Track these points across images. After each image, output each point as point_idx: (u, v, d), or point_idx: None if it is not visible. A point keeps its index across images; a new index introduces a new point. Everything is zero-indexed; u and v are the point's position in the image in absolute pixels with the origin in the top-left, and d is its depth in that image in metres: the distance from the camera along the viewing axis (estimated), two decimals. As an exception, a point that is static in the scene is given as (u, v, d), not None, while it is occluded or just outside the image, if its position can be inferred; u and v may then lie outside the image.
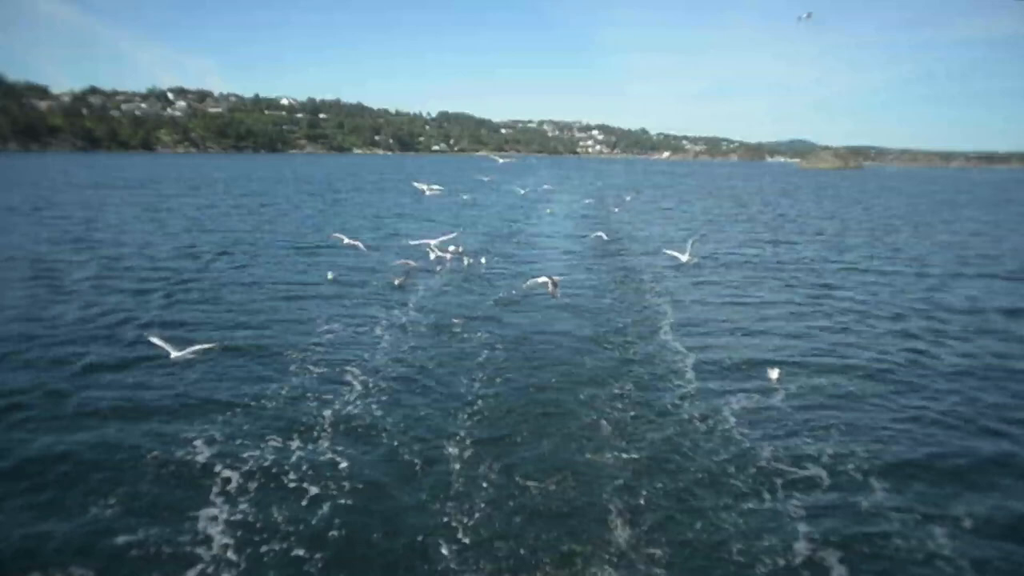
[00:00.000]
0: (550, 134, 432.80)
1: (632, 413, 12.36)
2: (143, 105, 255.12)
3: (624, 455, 10.67)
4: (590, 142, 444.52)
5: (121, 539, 8.15)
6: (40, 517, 8.64)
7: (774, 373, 14.29)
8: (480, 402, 12.69)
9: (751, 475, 10.04)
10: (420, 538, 8.31)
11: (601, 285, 24.01)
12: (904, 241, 39.35)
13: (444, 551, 8.02)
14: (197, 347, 13.55)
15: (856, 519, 8.97)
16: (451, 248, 26.97)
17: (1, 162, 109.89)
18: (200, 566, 7.69)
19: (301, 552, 7.99)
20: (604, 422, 11.95)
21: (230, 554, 7.91)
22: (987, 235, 43.55)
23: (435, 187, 37.60)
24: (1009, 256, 33.79)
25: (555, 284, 14.93)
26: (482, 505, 9.06)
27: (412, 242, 26.99)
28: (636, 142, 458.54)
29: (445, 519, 8.70)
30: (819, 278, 26.40)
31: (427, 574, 7.68)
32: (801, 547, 8.25)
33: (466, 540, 8.25)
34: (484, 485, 9.59)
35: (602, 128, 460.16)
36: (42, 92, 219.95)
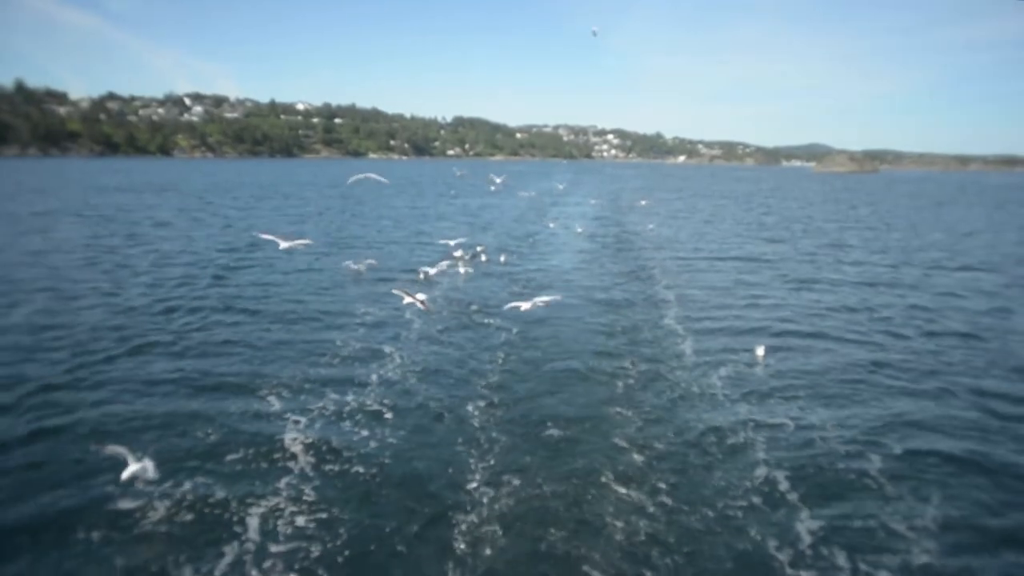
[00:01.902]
0: (565, 138, 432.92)
1: (636, 380, 14.46)
2: (160, 110, 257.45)
3: (630, 411, 12.75)
4: (605, 146, 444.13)
5: (229, 457, 10.52)
6: (160, 433, 11.16)
7: (760, 350, 16.28)
8: (500, 370, 14.87)
9: (731, 422, 12.20)
10: (449, 470, 10.39)
11: (612, 279, 26.01)
12: (897, 239, 41.63)
13: (469, 484, 10.00)
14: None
15: (810, 450, 11.17)
16: (470, 247, 29.22)
17: (26, 167, 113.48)
18: (288, 477, 10.02)
19: (360, 469, 10.25)
20: (615, 383, 14.22)
21: (309, 471, 10.20)
22: (980, 234, 45.35)
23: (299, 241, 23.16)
24: (994, 252, 35.81)
25: (423, 302, 15.40)
26: (497, 449, 11.10)
27: (434, 241, 29.56)
28: (651, 146, 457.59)
29: (470, 460, 10.72)
30: (811, 271, 28.54)
31: (451, 497, 9.63)
32: (761, 472, 10.41)
33: (482, 476, 10.23)
34: (498, 435, 11.64)
35: (617, 132, 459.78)
36: (61, 98, 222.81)
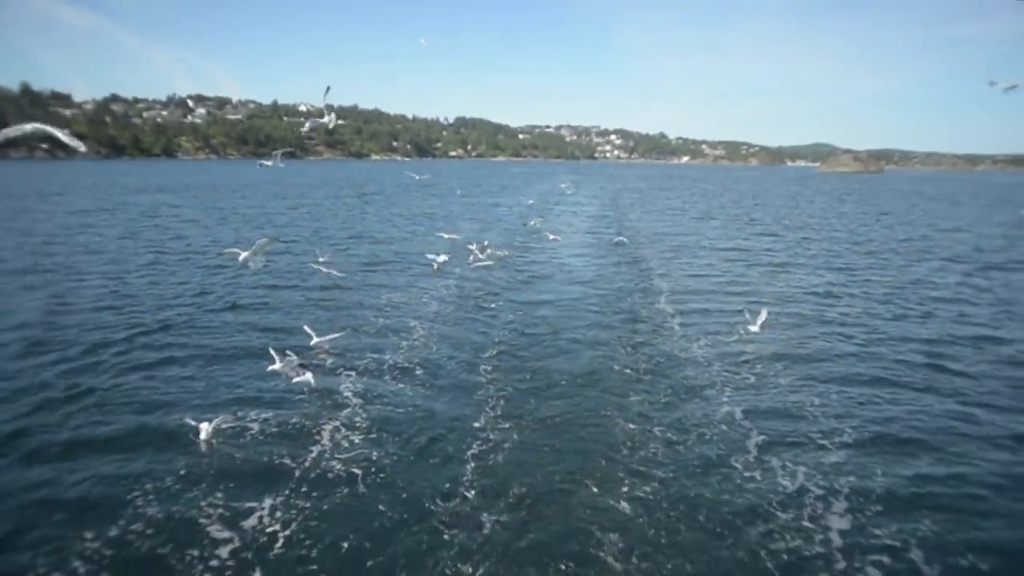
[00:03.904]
0: (568, 139, 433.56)
1: (629, 348, 16.90)
2: (164, 112, 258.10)
3: (626, 370, 15.26)
4: (608, 147, 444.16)
5: (296, 393, 13.20)
6: (234, 372, 13.61)
7: (755, 325, 17.83)
8: (506, 342, 17.27)
9: (706, 380, 14.67)
10: (468, 410, 12.88)
11: (610, 269, 28.58)
12: (877, 233, 44.50)
13: (478, 424, 12.27)
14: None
15: (770, 401, 13.55)
16: (478, 241, 29.88)
17: (37, 169, 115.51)
18: (348, 409, 12.65)
19: (401, 411, 12.66)
20: (610, 351, 16.59)
21: (357, 405, 12.82)
22: (963, 231, 47.39)
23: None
24: (969, 245, 38.30)
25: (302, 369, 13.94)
26: (502, 401, 13.35)
27: (445, 236, 31.72)
28: (655, 147, 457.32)
29: (483, 404, 13.14)
30: (788, 259, 31.63)
31: (462, 445, 11.47)
32: (727, 410, 12.96)
33: (496, 414, 12.71)
34: (510, 390, 13.95)
35: (620, 133, 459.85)
36: (66, 100, 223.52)
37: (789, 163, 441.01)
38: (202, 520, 8.80)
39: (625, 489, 9.91)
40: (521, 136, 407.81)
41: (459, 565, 8.08)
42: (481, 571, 8.01)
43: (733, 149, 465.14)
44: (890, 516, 9.23)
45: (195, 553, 8.13)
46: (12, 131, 10.80)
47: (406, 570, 8.00)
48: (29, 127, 10.99)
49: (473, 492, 9.76)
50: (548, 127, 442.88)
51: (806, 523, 9.00)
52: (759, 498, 9.63)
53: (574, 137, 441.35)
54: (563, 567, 8.15)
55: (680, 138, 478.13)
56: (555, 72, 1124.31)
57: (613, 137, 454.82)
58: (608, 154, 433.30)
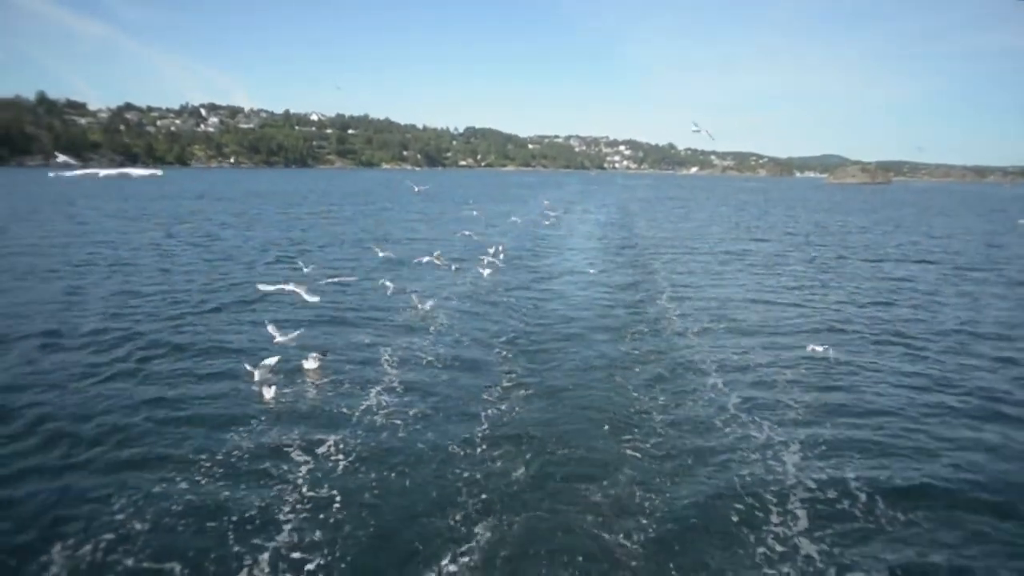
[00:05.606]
0: (577, 149, 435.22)
1: (631, 335, 18.96)
2: (177, 121, 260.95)
3: (629, 354, 17.19)
4: (617, 157, 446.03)
5: (343, 364, 15.50)
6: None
7: (742, 314, 20.96)
8: (518, 332, 19.12)
9: (697, 357, 16.77)
10: (487, 379, 14.95)
11: (615, 270, 30.91)
12: (872, 241, 46.32)
13: (495, 390, 14.37)
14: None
15: (747, 373, 15.74)
16: (492, 244, 32.22)
17: (55, 176, 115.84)
18: (383, 382, 14.65)
19: (426, 378, 14.87)
20: (612, 337, 18.70)
21: (392, 384, 14.68)
22: (955, 238, 49.56)
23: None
24: (959, 250, 40.30)
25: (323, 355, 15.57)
26: (515, 373, 15.44)
27: (461, 240, 34.67)
28: (664, 157, 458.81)
29: (500, 375, 15.30)
30: (783, 265, 33.52)
31: (481, 392, 14.17)
32: (712, 380, 15.09)
33: (509, 383, 14.80)
34: (523, 365, 16.10)
35: (629, 143, 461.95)
36: (81, 109, 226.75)
37: (798, 174, 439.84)
38: (285, 449, 11.08)
39: (627, 438, 11.94)
40: (531, 146, 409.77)
41: (474, 494, 9.99)
42: (487, 496, 9.93)
43: (742, 160, 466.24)
44: (831, 454, 11.42)
45: (284, 468, 10.39)
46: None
47: (436, 490, 10.01)
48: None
49: (488, 443, 11.72)
50: (557, 137, 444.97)
51: (770, 461, 11.04)
52: (734, 444, 11.68)
53: (583, 147, 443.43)
54: (560, 490, 10.15)
55: (689, 149, 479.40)
56: (564, 83, 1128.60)
57: (622, 147, 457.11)
58: (617, 164, 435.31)
